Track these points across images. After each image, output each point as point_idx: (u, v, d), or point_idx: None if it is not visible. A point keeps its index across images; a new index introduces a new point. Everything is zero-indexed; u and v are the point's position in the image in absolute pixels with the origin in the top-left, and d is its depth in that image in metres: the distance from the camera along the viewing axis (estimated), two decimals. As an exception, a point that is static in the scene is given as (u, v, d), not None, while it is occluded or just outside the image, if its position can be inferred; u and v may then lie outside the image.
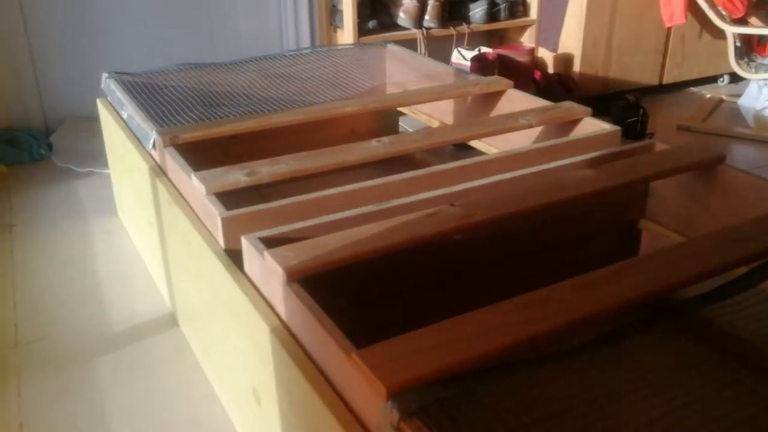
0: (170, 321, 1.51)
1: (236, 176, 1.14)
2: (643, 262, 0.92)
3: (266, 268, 0.92)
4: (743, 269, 0.99)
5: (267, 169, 1.17)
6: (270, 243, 0.97)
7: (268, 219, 1.07)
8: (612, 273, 0.89)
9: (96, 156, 2.26)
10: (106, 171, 2.18)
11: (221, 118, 1.48)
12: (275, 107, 1.58)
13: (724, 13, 2.61)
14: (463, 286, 1.21)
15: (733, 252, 0.95)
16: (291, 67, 1.80)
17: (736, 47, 2.52)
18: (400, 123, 2.22)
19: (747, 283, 0.98)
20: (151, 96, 1.64)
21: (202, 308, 1.24)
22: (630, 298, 0.85)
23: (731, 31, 2.48)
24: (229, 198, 1.18)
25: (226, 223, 1.05)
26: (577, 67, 2.73)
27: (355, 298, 1.06)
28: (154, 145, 1.39)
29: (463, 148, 2.11)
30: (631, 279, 0.88)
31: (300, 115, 1.45)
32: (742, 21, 2.65)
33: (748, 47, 2.68)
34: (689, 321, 1.08)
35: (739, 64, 2.52)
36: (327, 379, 0.80)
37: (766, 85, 2.67)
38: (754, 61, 2.65)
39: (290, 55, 1.83)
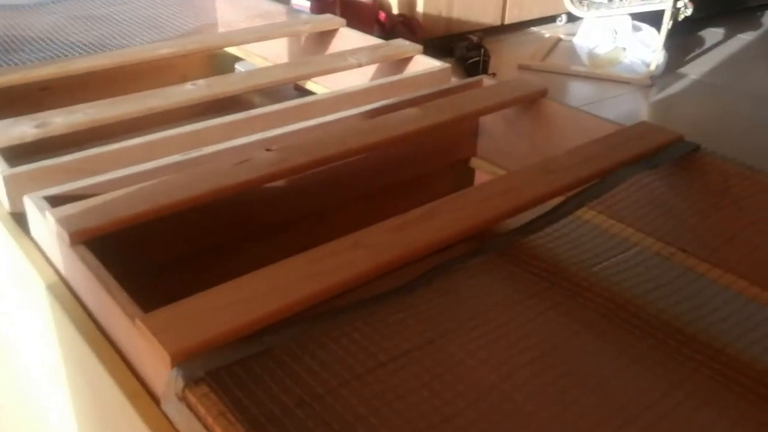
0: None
1: (23, 128, 1.01)
2: (458, 199, 0.90)
3: (50, 231, 0.82)
4: (560, 199, 0.99)
5: (61, 120, 1.05)
6: (57, 202, 0.87)
7: (61, 175, 0.95)
8: (425, 213, 0.87)
9: None
10: None
11: (17, 64, 1.31)
12: (83, 52, 1.43)
13: (558, -49, 2.65)
14: (290, 239, 1.16)
15: (547, 183, 0.95)
16: (105, 8, 1.64)
17: (570, -15, 2.57)
18: (236, 68, 2.10)
19: (564, 211, 0.99)
20: (-64, 43, 1.45)
21: None
22: (443, 237, 0.83)
23: (565, -31, 2.53)
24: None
25: (9, 181, 0.93)
26: (420, 8, 2.70)
27: (161, 259, 0.97)
28: (-66, 98, 1.22)
29: (306, 95, 2.02)
30: (446, 216, 0.86)
31: (108, 59, 1.31)
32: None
33: (582, -15, 2.75)
34: (511, 252, 1.09)
35: (572, 3, 2.58)
36: (118, 351, 0.72)
37: (599, 21, 2.76)
38: (587, -1, 2.72)
39: (103, -6, 1.66)
